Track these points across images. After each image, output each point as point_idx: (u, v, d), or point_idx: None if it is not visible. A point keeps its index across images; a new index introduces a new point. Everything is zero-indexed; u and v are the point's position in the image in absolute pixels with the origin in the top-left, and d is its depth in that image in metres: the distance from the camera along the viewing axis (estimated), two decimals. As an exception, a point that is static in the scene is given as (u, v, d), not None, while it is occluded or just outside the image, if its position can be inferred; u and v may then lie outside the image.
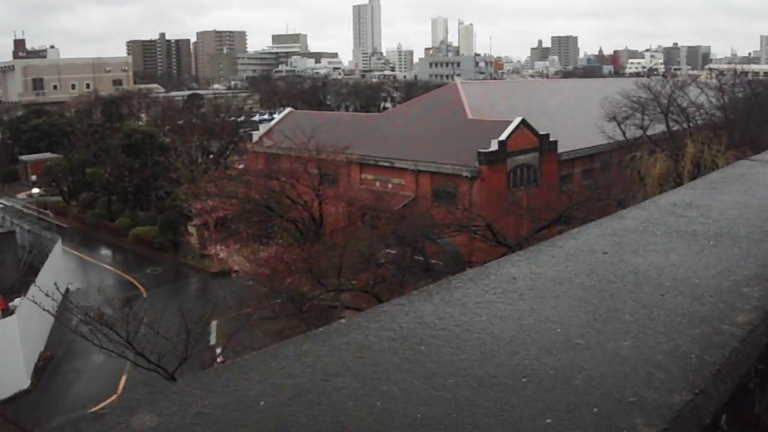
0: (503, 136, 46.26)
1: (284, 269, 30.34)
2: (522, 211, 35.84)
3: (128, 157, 58.85)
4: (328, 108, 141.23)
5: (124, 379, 31.94)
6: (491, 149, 45.38)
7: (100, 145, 62.79)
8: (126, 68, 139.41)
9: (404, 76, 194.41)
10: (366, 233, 34.17)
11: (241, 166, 41.51)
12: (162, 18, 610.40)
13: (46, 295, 27.85)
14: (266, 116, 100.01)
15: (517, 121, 47.70)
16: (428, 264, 31.50)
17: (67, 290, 45.16)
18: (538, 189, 46.24)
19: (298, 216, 38.44)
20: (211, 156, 57.14)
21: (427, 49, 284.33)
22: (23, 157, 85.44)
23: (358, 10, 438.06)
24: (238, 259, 37.78)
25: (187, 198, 42.07)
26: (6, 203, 76.64)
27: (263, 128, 61.56)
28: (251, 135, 61.21)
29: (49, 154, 76.92)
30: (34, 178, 75.33)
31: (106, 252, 57.12)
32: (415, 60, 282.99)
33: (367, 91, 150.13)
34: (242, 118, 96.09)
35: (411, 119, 53.97)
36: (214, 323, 32.28)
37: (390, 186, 49.69)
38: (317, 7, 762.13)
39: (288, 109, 69.63)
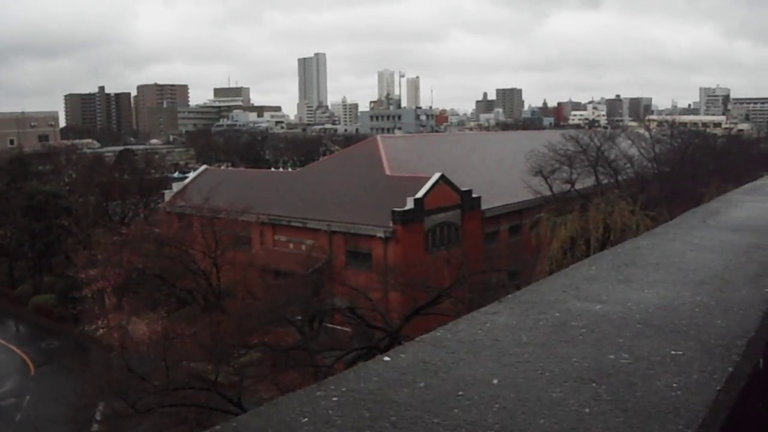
0: (420, 194, 43.79)
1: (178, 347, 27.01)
2: (433, 273, 33.01)
3: (31, 220, 55.04)
4: (266, 163, 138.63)
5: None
6: (407, 207, 42.72)
7: (3, 207, 58.97)
8: (52, 123, 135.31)
9: (345, 129, 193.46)
10: (269, 302, 31.03)
11: (123, 231, 37.89)
12: (101, 72, 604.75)
13: None
14: (183, 174, 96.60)
15: (436, 176, 45.29)
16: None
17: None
18: (461, 248, 43.76)
19: (196, 285, 35.29)
20: (114, 218, 53.61)
21: (372, 102, 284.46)
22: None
23: (303, 63, 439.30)
24: (135, 331, 34.52)
25: (83, 265, 38.60)
26: None
27: (177, 187, 58.28)
28: (163, 194, 57.98)
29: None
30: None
31: (2, 322, 52.87)
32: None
33: (306, 145, 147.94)
34: (163, 174, 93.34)
35: (328, 176, 51.39)
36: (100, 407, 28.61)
37: (303, 248, 46.80)
38: (261, 60, 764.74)
39: (203, 167, 66.71)
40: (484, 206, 48.31)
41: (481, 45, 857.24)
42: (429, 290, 29.48)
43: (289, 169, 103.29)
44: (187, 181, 60.44)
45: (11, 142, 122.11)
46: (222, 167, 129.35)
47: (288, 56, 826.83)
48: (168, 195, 57.22)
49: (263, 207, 49.60)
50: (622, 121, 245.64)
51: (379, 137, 59.16)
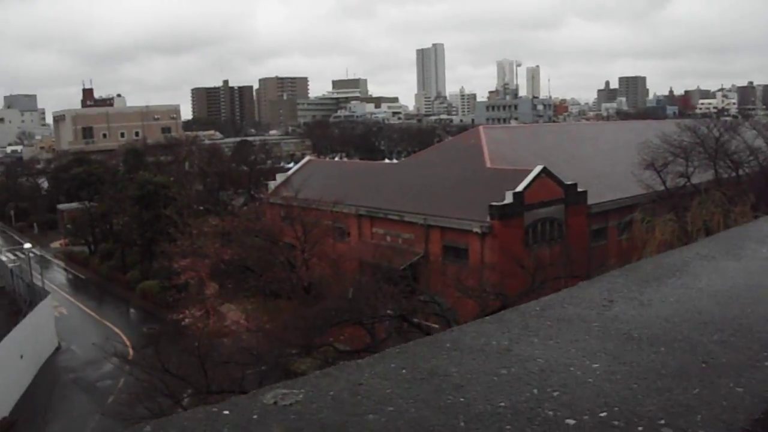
0: (520, 187, 42.18)
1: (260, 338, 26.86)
2: (527, 272, 31.49)
3: (141, 209, 56.53)
4: (381, 153, 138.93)
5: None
6: (505, 202, 41.25)
7: (119, 196, 61.04)
8: (174, 116, 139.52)
9: (461, 120, 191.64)
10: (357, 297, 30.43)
11: (215, 222, 38.07)
12: (225, 66, 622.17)
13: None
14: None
15: (537, 169, 43.57)
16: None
17: (59, 348, 43.00)
18: (564, 246, 42.01)
19: (285, 276, 35.09)
20: (216, 208, 54.26)
21: (491, 93, 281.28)
22: (60, 206, 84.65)
23: (421, 54, 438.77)
24: (232, 318, 34.77)
25: (176, 254, 39.17)
26: (37, 252, 75.65)
27: (281, 178, 58.63)
28: (267, 185, 58.50)
29: (76, 204, 75.37)
30: (70, 227, 74.11)
31: (111, 306, 54.77)
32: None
33: (420, 136, 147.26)
34: (279, 164, 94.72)
35: (428, 167, 50.47)
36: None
37: (400, 241, 46.13)
38: (378, 52, 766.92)
39: (306, 158, 66.88)
40: (590, 201, 46.22)
41: (599, 32, 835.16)
42: (499, 297, 27.93)
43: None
44: (290, 172, 60.73)
45: (136, 134, 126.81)
46: (335, 158, 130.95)
47: (405, 48, 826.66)
48: (272, 186, 57.71)
49: (363, 199, 49.28)
50: (753, 110, 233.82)
51: (481, 128, 57.70)
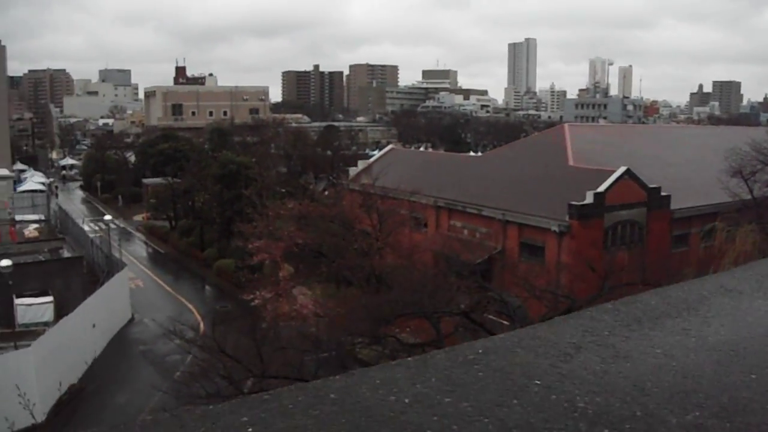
0: (602, 188, 41.09)
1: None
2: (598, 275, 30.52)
3: (222, 188, 57.29)
4: (466, 146, 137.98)
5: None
6: (585, 202, 40.24)
7: (202, 173, 61.98)
8: (263, 98, 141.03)
9: (549, 116, 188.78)
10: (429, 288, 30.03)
11: (290, 205, 38.09)
12: (316, 51, 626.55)
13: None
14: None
15: (621, 170, 42.37)
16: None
17: (132, 319, 43.88)
18: (644, 250, 40.79)
19: (358, 264, 34.91)
20: (295, 191, 54.47)
21: (581, 90, 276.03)
22: (145, 180, 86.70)
23: (513, 48, 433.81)
24: (302, 303, 34.82)
25: (250, 235, 39.47)
26: (120, 225, 77.54)
27: (361, 164, 58.65)
28: (347, 171, 58.59)
29: (160, 180, 76.98)
30: (153, 201, 75.76)
31: (187, 282, 55.72)
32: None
33: (507, 130, 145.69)
34: (364, 151, 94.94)
35: (509, 162, 49.76)
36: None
37: (477, 235, 45.55)
38: (470, 44, 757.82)
39: (389, 146, 66.69)
40: (674, 206, 44.78)
41: (694, 34, 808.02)
42: (567, 300, 27.09)
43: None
44: (372, 159, 60.70)
45: (224, 113, 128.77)
46: (420, 148, 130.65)
47: (496, 41, 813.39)
48: (353, 172, 57.78)
49: (442, 190, 48.90)
50: None
51: (566, 125, 56.47)
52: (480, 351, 2.39)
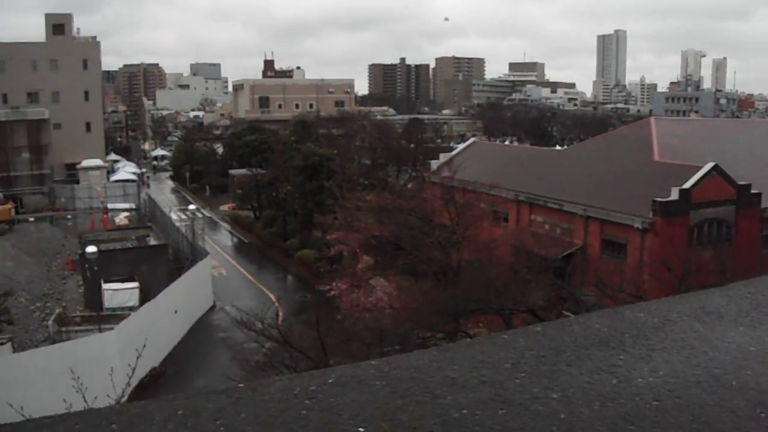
0: (688, 184, 39.91)
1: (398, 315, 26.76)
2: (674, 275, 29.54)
3: (305, 179, 57.92)
4: (552, 139, 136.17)
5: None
6: (670, 198, 39.17)
7: (285, 165, 62.78)
8: (348, 90, 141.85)
9: (638, 110, 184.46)
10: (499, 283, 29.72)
11: (368, 197, 38.21)
12: (402, 44, 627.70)
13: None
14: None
15: (708, 166, 41.07)
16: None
17: (213, 307, 44.72)
18: (731, 250, 39.43)
19: (434, 257, 34.85)
20: (375, 182, 54.67)
21: (672, 84, 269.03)
22: (232, 171, 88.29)
23: (602, 40, 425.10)
24: (377, 295, 34.97)
25: (329, 226, 39.88)
26: (206, 214, 79.44)
27: (443, 157, 58.46)
28: (429, 164, 58.50)
29: (245, 171, 78.33)
30: (239, 191, 77.22)
31: (269, 272, 56.57)
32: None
33: (594, 124, 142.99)
34: (448, 144, 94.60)
35: (593, 156, 48.89)
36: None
37: (558, 230, 44.88)
38: (557, 36, 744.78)
39: (471, 139, 66.27)
40: (765, 204, 43.18)
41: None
42: (635, 300, 26.29)
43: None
44: (454, 152, 60.44)
45: (311, 106, 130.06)
46: (505, 141, 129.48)
47: (585, 32, 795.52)
48: (434, 165, 57.64)
49: (524, 184, 48.38)
50: None
51: (653, 119, 55.11)
52: (386, 368, 2.13)
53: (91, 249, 36.24)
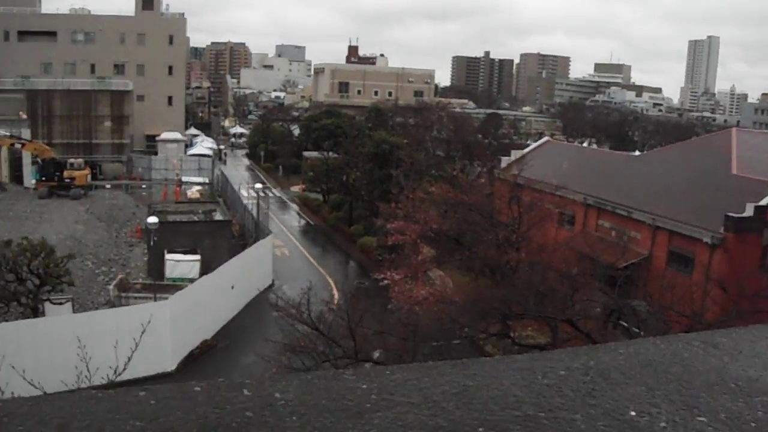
0: (765, 201, 38.45)
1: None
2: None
3: (374, 166, 58.02)
4: (633, 144, 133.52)
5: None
6: (744, 214, 37.81)
7: (356, 151, 62.98)
8: (428, 81, 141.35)
9: (725, 120, 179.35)
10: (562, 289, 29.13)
11: (431, 190, 37.88)
12: (487, 37, 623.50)
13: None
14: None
15: (787, 184, 39.47)
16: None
17: (272, 285, 45.11)
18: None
19: (492, 254, 34.45)
20: (444, 174, 54.28)
21: (764, 95, 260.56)
22: (305, 153, 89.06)
23: (693, 46, 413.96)
24: (428, 290, 34.77)
25: (388, 216, 39.80)
26: (276, 194, 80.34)
27: (514, 154, 57.79)
28: (500, 160, 57.91)
29: (316, 153, 78.91)
30: (310, 174, 77.89)
31: (332, 255, 56.91)
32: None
33: (677, 132, 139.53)
34: (526, 141, 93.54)
35: (666, 165, 47.49)
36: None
37: (626, 238, 43.84)
38: (646, 38, 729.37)
39: (545, 138, 65.32)
40: None
41: None
42: (687, 318, 25.22)
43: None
44: (526, 150, 59.71)
45: (389, 94, 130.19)
46: (583, 143, 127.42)
47: (675, 37, 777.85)
48: (505, 162, 57.02)
49: (593, 188, 47.44)
50: None
51: (734, 130, 53.22)
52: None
53: (152, 219, 36.94)
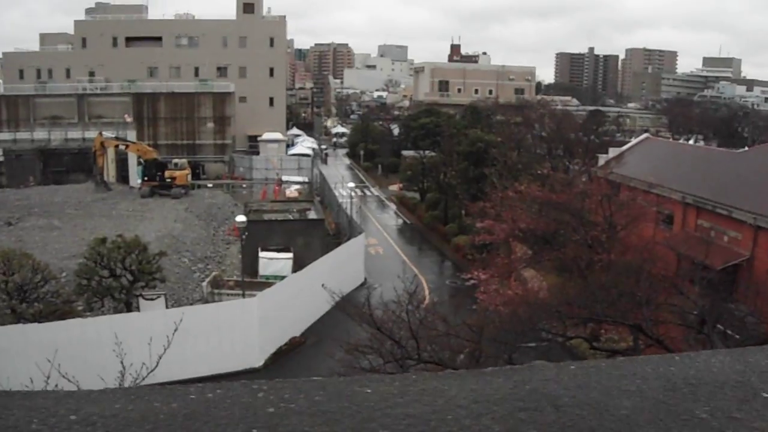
0: None
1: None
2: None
3: (469, 165, 57.74)
4: (743, 141, 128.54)
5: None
6: None
7: (452, 150, 62.80)
8: (529, 78, 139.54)
9: None
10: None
11: (521, 188, 37.20)
12: (590, 33, 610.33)
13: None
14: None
15: None
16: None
17: (363, 283, 45.41)
18: None
19: (582, 254, 33.71)
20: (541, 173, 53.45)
21: None
22: (404, 152, 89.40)
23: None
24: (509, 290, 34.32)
25: (477, 215, 39.53)
26: (375, 192, 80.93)
27: (612, 152, 56.51)
28: (597, 158, 56.70)
29: (413, 152, 79.10)
30: (409, 173, 78.22)
31: (426, 254, 56.94)
32: None
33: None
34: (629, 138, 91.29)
35: (773, 162, 45.39)
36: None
37: (726, 239, 42.24)
38: (759, 30, 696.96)
39: (644, 135, 63.56)
40: None
41: None
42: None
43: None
44: (624, 147, 58.25)
45: (490, 92, 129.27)
46: (689, 140, 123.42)
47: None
48: (603, 159, 55.83)
49: (692, 186, 45.86)
50: None
51: None
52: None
53: (240, 218, 37.71)
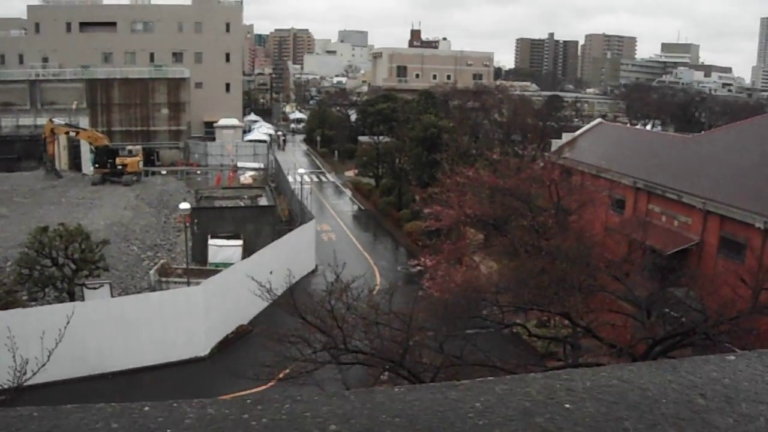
0: (824, 184, 36.79)
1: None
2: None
3: (422, 150, 57.57)
4: (699, 126, 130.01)
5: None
6: (799, 198, 36.25)
7: (405, 135, 62.60)
8: (487, 63, 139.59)
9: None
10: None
11: (469, 174, 37.03)
12: (551, 19, 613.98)
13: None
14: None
15: None
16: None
17: (314, 270, 45.13)
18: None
19: (528, 239, 33.67)
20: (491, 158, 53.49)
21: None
22: (360, 138, 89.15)
23: (765, 23, 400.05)
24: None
25: (423, 201, 39.39)
26: (330, 179, 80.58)
27: (566, 137, 56.72)
28: (550, 143, 56.86)
29: (368, 138, 78.90)
30: (364, 158, 78.00)
31: (379, 241, 56.78)
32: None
33: (745, 113, 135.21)
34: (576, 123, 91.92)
35: (722, 146, 45.70)
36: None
37: (676, 224, 42.54)
38: (715, 16, 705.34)
39: (597, 120, 63.87)
40: None
41: None
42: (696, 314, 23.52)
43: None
44: (577, 132, 58.48)
45: (448, 77, 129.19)
46: (647, 125, 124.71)
47: (746, 14, 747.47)
48: (556, 145, 56.00)
49: (644, 171, 46.08)
50: None
51: (793, 111, 51.24)
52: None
53: (184, 205, 37.16)
